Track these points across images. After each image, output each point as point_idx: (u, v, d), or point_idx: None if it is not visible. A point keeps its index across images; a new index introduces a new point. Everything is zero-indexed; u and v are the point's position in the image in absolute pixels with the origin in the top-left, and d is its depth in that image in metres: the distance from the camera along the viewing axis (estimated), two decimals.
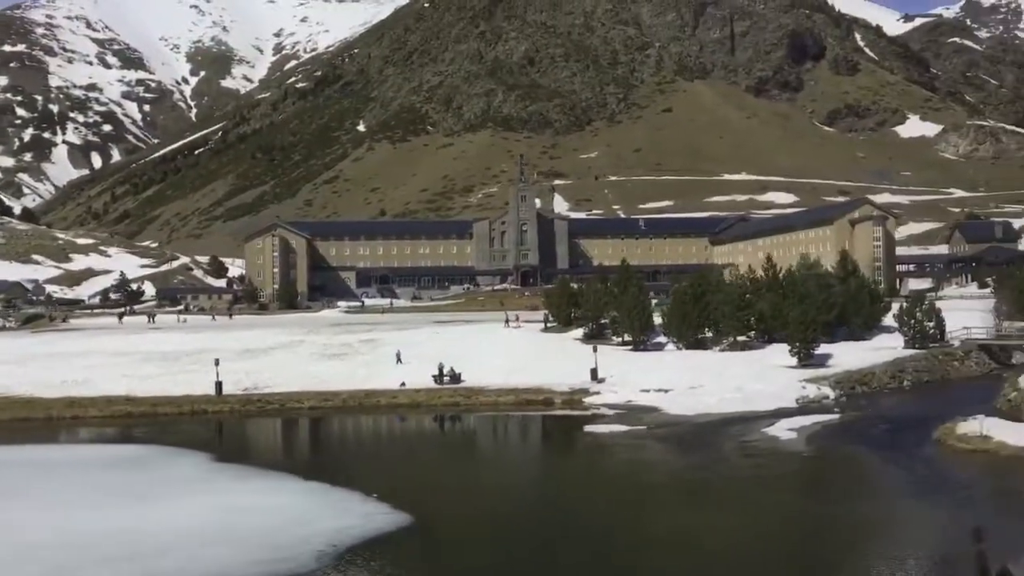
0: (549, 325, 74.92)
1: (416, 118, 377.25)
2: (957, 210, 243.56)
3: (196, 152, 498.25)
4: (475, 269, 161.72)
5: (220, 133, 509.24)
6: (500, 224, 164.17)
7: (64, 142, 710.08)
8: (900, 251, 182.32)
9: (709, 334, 63.92)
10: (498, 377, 54.59)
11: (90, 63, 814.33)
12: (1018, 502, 26.24)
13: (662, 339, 65.81)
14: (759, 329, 62.56)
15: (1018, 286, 74.60)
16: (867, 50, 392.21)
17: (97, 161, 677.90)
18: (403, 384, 53.63)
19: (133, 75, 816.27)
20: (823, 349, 57.06)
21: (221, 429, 47.46)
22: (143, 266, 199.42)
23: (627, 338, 65.19)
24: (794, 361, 54.57)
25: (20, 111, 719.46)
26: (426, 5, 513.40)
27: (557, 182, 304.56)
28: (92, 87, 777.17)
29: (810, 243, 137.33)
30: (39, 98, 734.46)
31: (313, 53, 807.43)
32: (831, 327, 62.92)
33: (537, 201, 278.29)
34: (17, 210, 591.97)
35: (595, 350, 53.55)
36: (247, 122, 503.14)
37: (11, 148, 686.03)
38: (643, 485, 29.95)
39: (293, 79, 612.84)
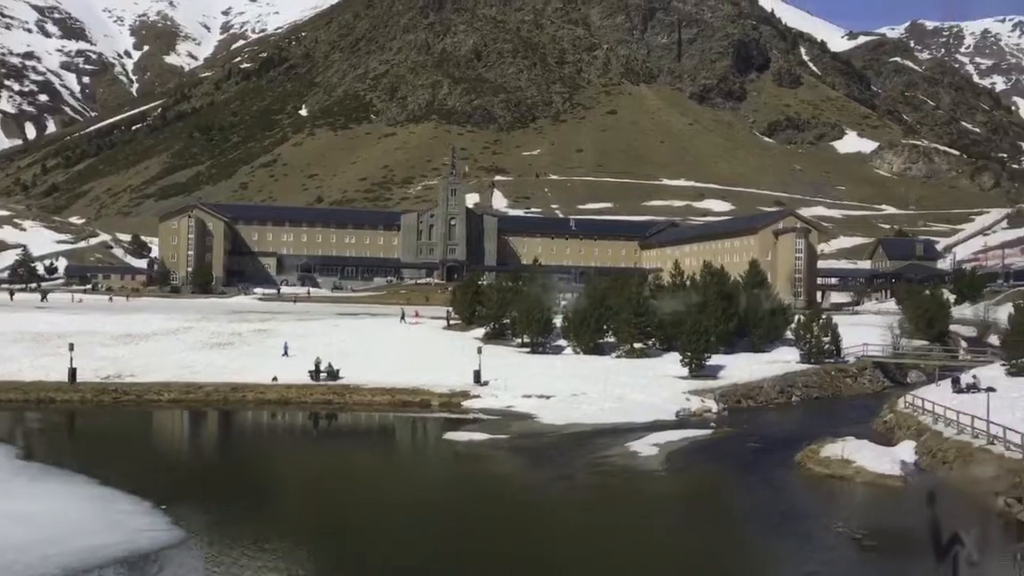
0: (452, 323, 72.90)
1: (360, 106, 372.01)
2: (887, 226, 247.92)
3: (134, 128, 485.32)
4: (401, 262, 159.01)
5: (159, 110, 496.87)
6: (429, 217, 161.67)
7: None
8: (828, 264, 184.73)
9: (611, 339, 62.53)
10: (381, 375, 52.26)
11: (29, 30, 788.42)
12: (830, 536, 24.70)
13: (563, 343, 64.19)
14: (659, 337, 61.25)
15: (920, 304, 74.71)
16: (811, 64, 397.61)
17: (31, 131, 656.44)
18: (275, 379, 50.96)
19: (74, 45, 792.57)
20: (718, 360, 55.93)
21: (69, 420, 44.35)
22: (60, 242, 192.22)
23: (527, 340, 63.50)
24: (685, 372, 53.28)
25: None
26: None
27: (498, 178, 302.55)
28: (30, 55, 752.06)
29: (735, 251, 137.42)
30: None
31: (262, 34, 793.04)
32: (731, 338, 61.94)
33: (476, 196, 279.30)
34: None
35: (480, 351, 51.53)
36: (188, 100, 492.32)
37: None
38: (457, 503, 28.13)
39: (238, 59, 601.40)
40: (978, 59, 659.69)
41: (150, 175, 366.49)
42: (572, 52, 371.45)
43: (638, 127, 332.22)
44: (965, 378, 42.77)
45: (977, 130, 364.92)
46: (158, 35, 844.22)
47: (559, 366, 55.59)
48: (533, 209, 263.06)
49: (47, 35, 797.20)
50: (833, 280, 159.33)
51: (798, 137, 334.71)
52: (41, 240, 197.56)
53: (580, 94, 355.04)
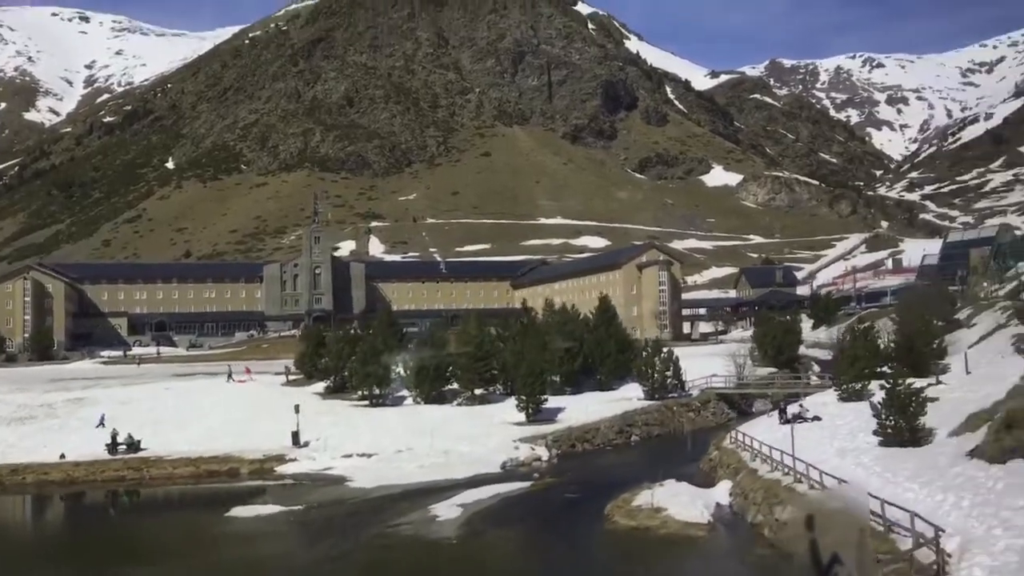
0: (291, 378, 68.66)
1: (230, 156, 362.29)
2: (755, 255, 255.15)
3: None
4: (265, 315, 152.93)
5: (16, 168, 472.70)
6: (293, 267, 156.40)
7: None
8: (699, 295, 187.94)
9: (455, 386, 59.63)
10: (193, 443, 47.74)
11: None
12: None
13: (405, 392, 60.88)
14: (503, 381, 58.74)
15: (768, 331, 74.76)
16: (676, 102, 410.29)
17: None
18: (63, 456, 45.78)
19: None
20: (559, 402, 53.71)
21: None
22: None
23: (365, 392, 59.93)
24: (523, 417, 50.78)
25: None
26: (246, 42, 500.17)
27: (375, 224, 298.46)
28: None
29: (601, 287, 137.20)
30: None
31: (128, 87, 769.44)
32: (577, 377, 59.94)
33: (352, 244, 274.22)
34: None
35: (297, 410, 47.51)
36: (47, 156, 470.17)
37: None
38: None
39: (102, 113, 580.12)
40: (833, 94, 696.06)
41: (4, 237, 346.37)
42: (445, 96, 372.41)
43: (513, 168, 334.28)
44: (792, 408, 41.62)
45: (834, 160, 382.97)
46: (16, 91, 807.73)
47: (393, 419, 52.24)
48: (411, 254, 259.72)
49: None
50: (702, 311, 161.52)
51: (668, 172, 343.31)
52: None
53: (454, 137, 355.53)
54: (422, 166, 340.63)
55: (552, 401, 53.34)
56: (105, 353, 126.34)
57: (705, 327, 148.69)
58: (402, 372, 60.04)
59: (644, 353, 58.00)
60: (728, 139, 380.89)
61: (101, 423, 53.33)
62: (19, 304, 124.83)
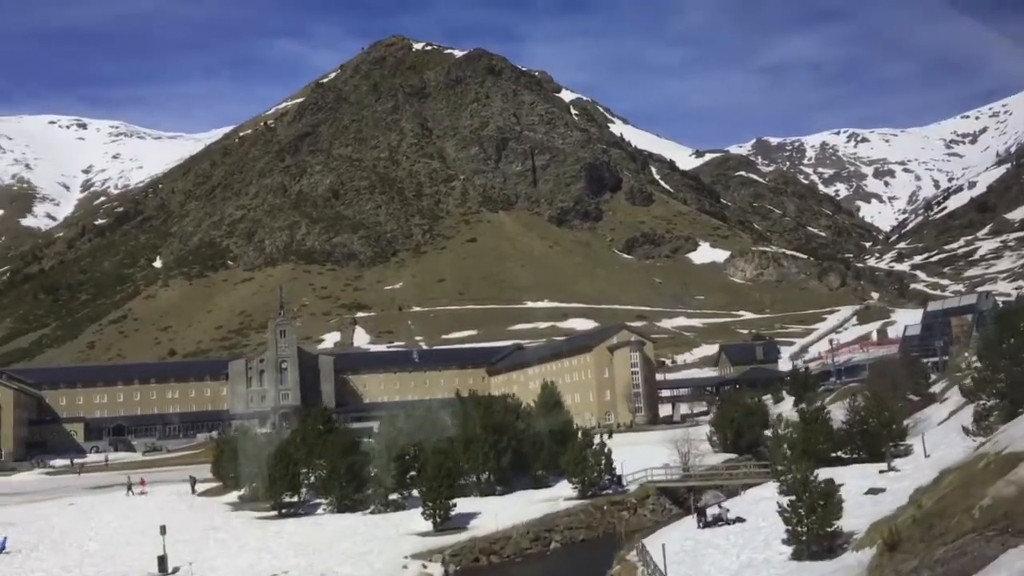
0: (207, 487, 63.36)
1: (216, 253, 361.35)
2: (745, 331, 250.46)
3: None
4: (231, 413, 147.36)
5: (8, 274, 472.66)
6: (259, 363, 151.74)
7: None
8: (688, 374, 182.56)
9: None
10: (57, 571, 42.24)
11: None
12: None
13: (321, 500, 55.57)
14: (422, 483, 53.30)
15: (726, 414, 69.75)
16: (662, 182, 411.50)
17: None
18: None
19: None
20: (476, 505, 48.40)
21: None
22: None
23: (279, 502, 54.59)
24: (430, 525, 45.45)
25: None
26: (236, 141, 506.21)
27: (360, 315, 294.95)
28: None
29: (574, 370, 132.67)
30: None
31: (124, 189, 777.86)
32: (507, 474, 54.70)
33: (337, 335, 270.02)
34: None
35: (163, 532, 42.07)
36: (39, 261, 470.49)
37: None
38: None
39: (96, 216, 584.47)
40: (821, 169, 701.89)
41: None
42: (429, 184, 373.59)
43: (499, 253, 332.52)
44: (712, 509, 36.51)
45: (823, 234, 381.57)
46: (13, 198, 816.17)
47: (289, 533, 46.94)
48: (396, 343, 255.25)
49: None
50: (685, 390, 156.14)
51: (655, 252, 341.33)
52: None
53: (440, 225, 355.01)
54: (408, 254, 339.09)
55: (471, 505, 48.19)
56: (56, 462, 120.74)
57: (685, 408, 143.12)
58: (313, 479, 54.88)
59: (571, 446, 52.73)
60: (714, 216, 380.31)
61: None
62: None
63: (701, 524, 35.37)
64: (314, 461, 54.37)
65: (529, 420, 64.08)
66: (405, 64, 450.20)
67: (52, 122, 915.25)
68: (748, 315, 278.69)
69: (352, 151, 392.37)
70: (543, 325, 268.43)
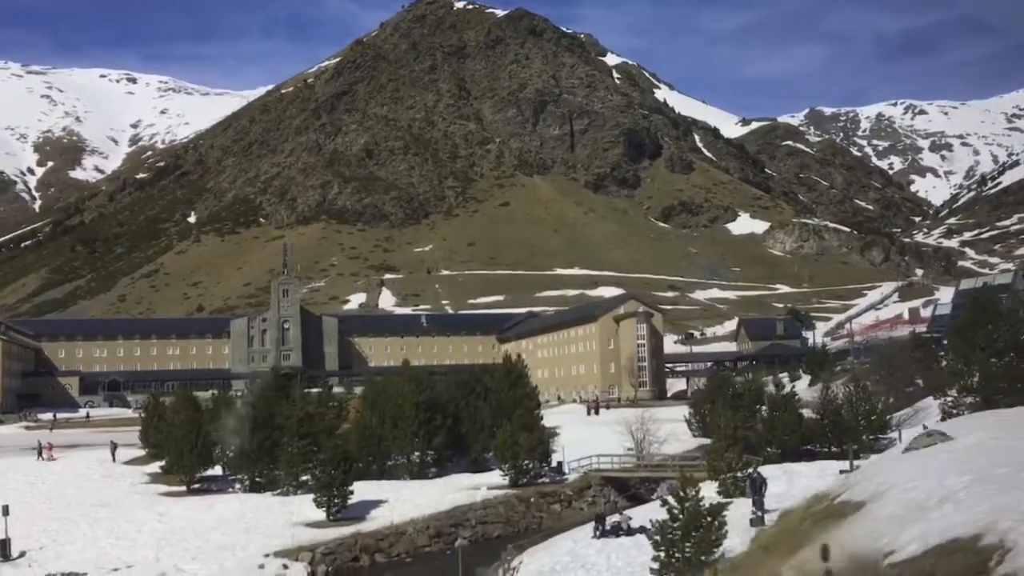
0: (137, 456, 58.81)
1: (248, 210, 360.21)
2: (781, 305, 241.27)
3: (23, 245, 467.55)
4: (231, 372, 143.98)
5: (51, 225, 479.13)
6: (261, 322, 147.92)
7: None
8: (714, 348, 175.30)
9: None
10: None
11: None
12: None
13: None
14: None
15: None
16: (704, 150, 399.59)
17: None
18: None
19: None
20: (388, 491, 42.84)
21: None
22: None
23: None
24: (323, 514, 39.99)
25: None
26: (276, 97, 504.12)
27: (388, 276, 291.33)
28: None
29: (579, 341, 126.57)
30: None
31: (170, 144, 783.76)
32: (442, 456, 49.11)
33: (363, 296, 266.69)
34: None
35: (5, 512, 36.80)
36: (80, 213, 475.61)
37: None
38: None
39: (138, 170, 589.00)
40: (875, 141, 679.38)
41: (25, 293, 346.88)
42: (464, 147, 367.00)
43: (532, 218, 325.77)
44: (613, 516, 30.45)
45: (870, 207, 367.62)
46: (63, 151, 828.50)
47: (174, 515, 41.88)
48: (422, 306, 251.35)
49: None
50: (708, 364, 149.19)
51: (692, 221, 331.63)
52: None
53: (473, 188, 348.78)
54: (439, 217, 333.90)
55: (382, 491, 42.67)
56: (44, 416, 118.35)
57: (704, 383, 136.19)
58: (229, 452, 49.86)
59: (502, 427, 46.71)
60: (757, 186, 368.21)
61: None
62: None
63: (597, 533, 29.48)
64: (226, 434, 49.27)
65: (488, 395, 58.35)
66: (445, 23, 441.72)
67: (102, 76, 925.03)
68: (785, 288, 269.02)
69: (388, 111, 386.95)
70: (572, 293, 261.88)
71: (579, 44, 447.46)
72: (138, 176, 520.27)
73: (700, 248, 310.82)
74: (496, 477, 47.78)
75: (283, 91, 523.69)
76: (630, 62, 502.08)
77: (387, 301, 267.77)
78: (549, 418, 74.26)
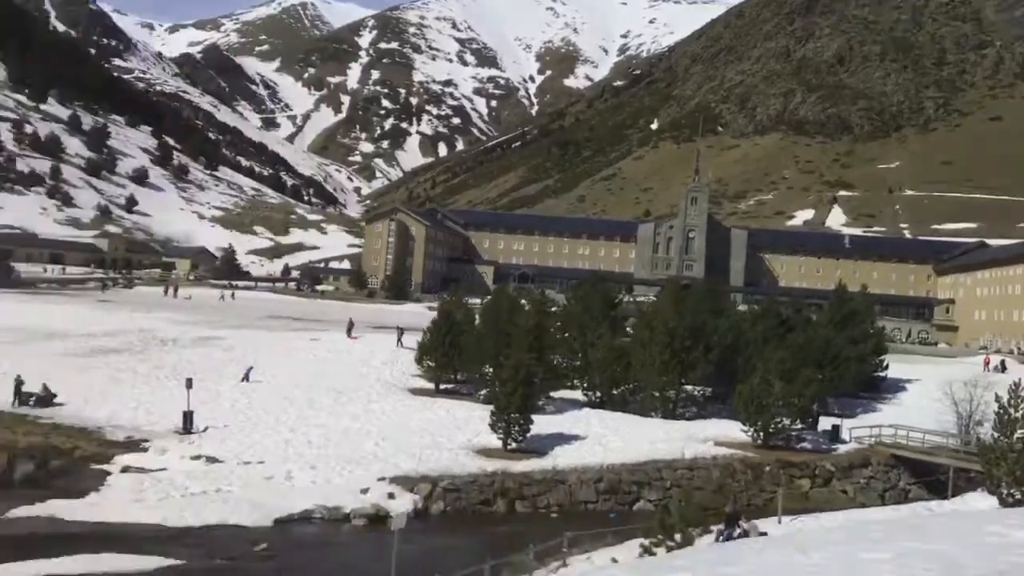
0: (404, 346, 57.94)
1: (708, 118, 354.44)
2: None
3: (513, 146, 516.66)
4: (634, 277, 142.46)
5: (536, 129, 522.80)
6: (668, 229, 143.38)
7: (417, 132, 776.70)
8: None
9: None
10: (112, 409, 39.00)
11: (450, 60, 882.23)
12: None
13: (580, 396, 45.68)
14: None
15: None
16: None
17: (443, 151, 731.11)
18: None
19: (486, 72, 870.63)
20: (608, 425, 35.76)
21: None
22: (351, 245, 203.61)
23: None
24: (497, 441, 34.41)
25: (385, 102, 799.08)
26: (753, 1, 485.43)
27: (842, 193, 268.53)
28: (448, 83, 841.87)
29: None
30: (402, 91, 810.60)
31: (653, 54, 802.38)
32: (699, 397, 40.45)
33: (811, 212, 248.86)
34: (365, 191, 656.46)
35: (189, 385, 36.54)
36: (562, 118, 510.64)
37: (373, 135, 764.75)
38: None
39: (621, 78, 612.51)
40: None
41: (504, 188, 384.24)
42: (954, 52, 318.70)
43: None
44: (742, 523, 20.59)
45: None
46: (560, 60, 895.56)
47: (384, 411, 39.59)
48: (875, 228, 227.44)
49: (464, 64, 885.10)
50: None
51: None
52: (337, 242, 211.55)
53: (958, 99, 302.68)
54: (912, 131, 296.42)
55: (603, 424, 35.90)
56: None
57: None
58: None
59: (750, 377, 35.90)
60: None
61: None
62: (384, 243, 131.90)
63: (722, 539, 20.33)
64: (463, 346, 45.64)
65: (814, 329, 47.55)
66: None
67: None
68: None
69: (868, 12, 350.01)
70: None
71: None
72: (615, 84, 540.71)
73: None
74: (737, 431, 37.57)
75: None
76: None
77: (836, 220, 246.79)
78: (914, 369, 59.79)
